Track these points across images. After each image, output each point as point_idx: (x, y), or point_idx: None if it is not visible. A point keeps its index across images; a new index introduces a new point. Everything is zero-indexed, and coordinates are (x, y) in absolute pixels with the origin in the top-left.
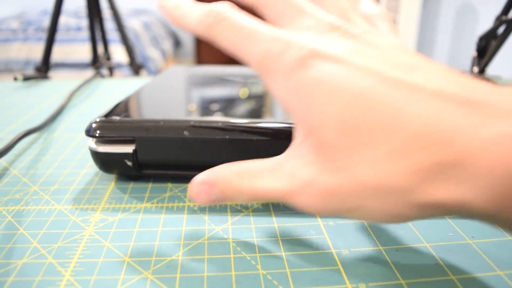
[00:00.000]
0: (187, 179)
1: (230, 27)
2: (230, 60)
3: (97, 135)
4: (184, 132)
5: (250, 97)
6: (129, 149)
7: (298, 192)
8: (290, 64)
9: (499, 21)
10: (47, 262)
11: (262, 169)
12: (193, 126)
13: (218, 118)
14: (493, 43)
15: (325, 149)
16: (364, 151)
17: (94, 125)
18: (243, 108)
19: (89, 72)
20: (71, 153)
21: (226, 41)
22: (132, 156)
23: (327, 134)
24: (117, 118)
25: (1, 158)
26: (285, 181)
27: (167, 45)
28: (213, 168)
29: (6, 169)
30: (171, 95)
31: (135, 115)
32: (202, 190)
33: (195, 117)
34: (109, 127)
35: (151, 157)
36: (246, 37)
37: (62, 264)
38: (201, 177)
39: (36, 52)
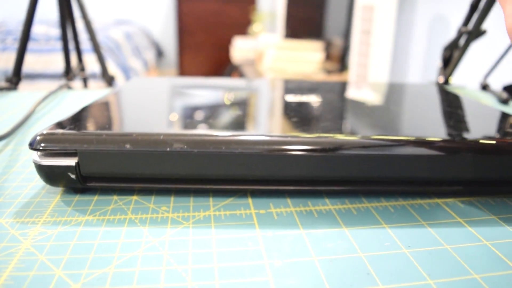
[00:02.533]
0: (132, 192)
1: None
2: (211, 70)
3: (40, 148)
4: (126, 145)
5: (199, 109)
6: (72, 162)
7: None
8: None
9: (460, 32)
10: None
11: None
12: (135, 139)
13: (161, 130)
14: (456, 54)
15: None
16: None
17: (38, 138)
18: (189, 120)
19: (67, 83)
20: (22, 166)
21: None
22: (75, 169)
23: None
24: (60, 131)
25: None
26: None
27: (149, 55)
28: None
29: None
30: (123, 108)
31: (80, 128)
32: None
33: (138, 130)
34: (52, 140)
35: (94, 170)
36: None
37: None
38: None
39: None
